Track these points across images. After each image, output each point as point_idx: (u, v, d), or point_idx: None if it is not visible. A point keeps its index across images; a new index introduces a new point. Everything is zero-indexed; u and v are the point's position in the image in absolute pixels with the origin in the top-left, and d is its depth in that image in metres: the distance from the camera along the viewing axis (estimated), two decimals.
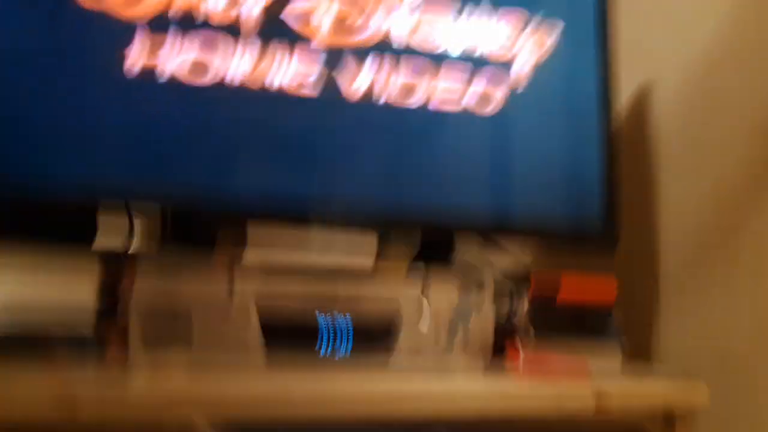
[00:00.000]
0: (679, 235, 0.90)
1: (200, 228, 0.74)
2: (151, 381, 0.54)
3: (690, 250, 0.88)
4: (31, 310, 0.64)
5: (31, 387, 0.48)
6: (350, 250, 0.73)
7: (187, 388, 0.53)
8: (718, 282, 0.84)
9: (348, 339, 0.67)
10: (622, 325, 0.79)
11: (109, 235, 0.76)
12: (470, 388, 0.62)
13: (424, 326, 0.69)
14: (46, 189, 0.65)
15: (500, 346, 0.75)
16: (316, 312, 0.66)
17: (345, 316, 0.67)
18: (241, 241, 0.71)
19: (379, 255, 0.76)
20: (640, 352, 0.90)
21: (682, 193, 0.90)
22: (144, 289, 0.62)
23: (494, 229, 0.82)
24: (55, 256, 0.66)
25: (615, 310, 0.78)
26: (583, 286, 0.77)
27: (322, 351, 0.66)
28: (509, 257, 0.90)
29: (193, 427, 0.48)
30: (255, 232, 0.70)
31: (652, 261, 0.92)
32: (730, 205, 0.84)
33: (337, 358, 0.66)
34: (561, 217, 0.83)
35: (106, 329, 0.65)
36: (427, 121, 0.77)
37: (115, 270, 0.68)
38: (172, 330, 0.62)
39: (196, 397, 0.51)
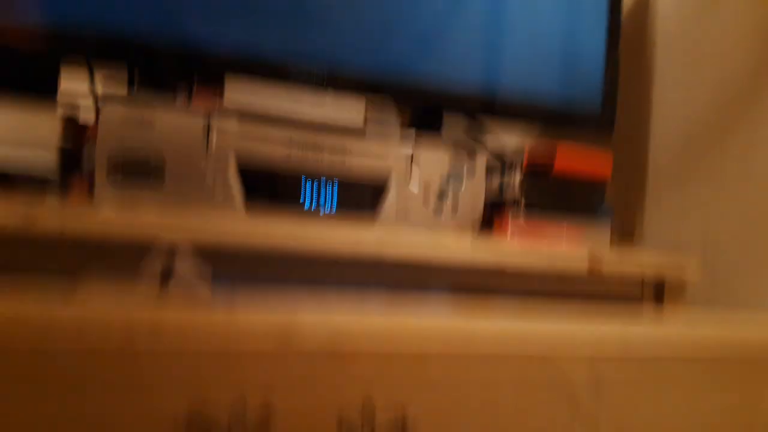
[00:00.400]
0: (673, 123, 0.87)
1: (173, 78, 0.69)
2: (119, 211, 0.49)
3: (683, 138, 0.86)
4: None
5: None
6: (339, 108, 0.69)
7: (157, 222, 0.48)
8: (708, 169, 0.82)
9: (333, 195, 0.63)
10: (613, 204, 0.76)
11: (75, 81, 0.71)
12: (460, 242, 0.58)
13: (414, 186, 0.65)
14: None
15: (491, 217, 0.72)
16: (301, 164, 0.62)
17: (331, 170, 0.62)
18: (219, 93, 0.66)
19: (368, 119, 0.72)
20: (628, 234, 0.89)
21: (679, 84, 0.87)
22: (111, 131, 0.57)
23: (491, 104, 0.78)
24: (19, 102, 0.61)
25: (608, 188, 0.75)
26: (579, 157, 0.73)
27: (306, 205, 0.62)
28: (504, 132, 0.87)
29: (167, 247, 0.44)
30: (234, 85, 0.65)
31: (646, 148, 0.89)
32: (725, 98, 0.82)
33: (321, 214, 0.62)
34: (559, 96, 0.80)
35: (70, 171, 0.61)
36: None
37: (78, 117, 0.64)
38: (142, 173, 0.57)
39: (167, 228, 0.47)
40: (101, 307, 0.36)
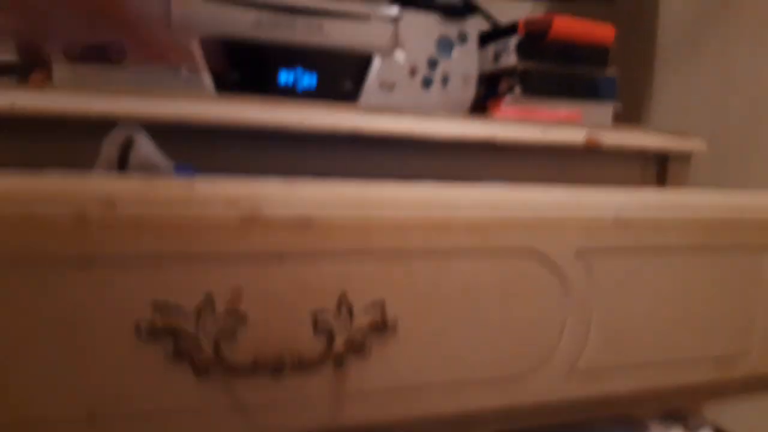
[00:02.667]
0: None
1: None
2: (75, 92, 0.45)
3: (690, 16, 0.80)
4: None
5: None
6: None
7: (114, 102, 0.44)
8: (717, 48, 0.77)
9: (312, 69, 0.58)
10: (617, 84, 0.71)
11: None
12: (450, 123, 0.54)
13: (400, 56, 0.60)
14: None
15: (484, 90, 0.68)
16: (273, 33, 0.57)
17: (308, 39, 0.58)
18: None
19: None
20: (634, 115, 0.85)
21: None
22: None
23: None
24: None
25: (612, 66, 0.70)
26: (577, 26, 0.68)
27: (282, 82, 0.58)
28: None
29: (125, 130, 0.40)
30: None
31: (651, 25, 0.83)
32: None
33: (298, 91, 0.58)
34: None
35: (28, 52, 0.57)
36: None
37: None
38: (101, 52, 0.53)
39: (125, 109, 0.43)
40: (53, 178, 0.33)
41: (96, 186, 0.32)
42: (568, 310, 0.42)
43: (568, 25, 0.66)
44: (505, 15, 0.83)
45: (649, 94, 0.83)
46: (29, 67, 0.57)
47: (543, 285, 0.41)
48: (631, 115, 0.83)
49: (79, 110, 0.41)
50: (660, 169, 0.63)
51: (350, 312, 0.36)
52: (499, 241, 0.39)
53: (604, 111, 0.70)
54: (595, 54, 0.69)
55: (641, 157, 0.62)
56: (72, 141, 0.44)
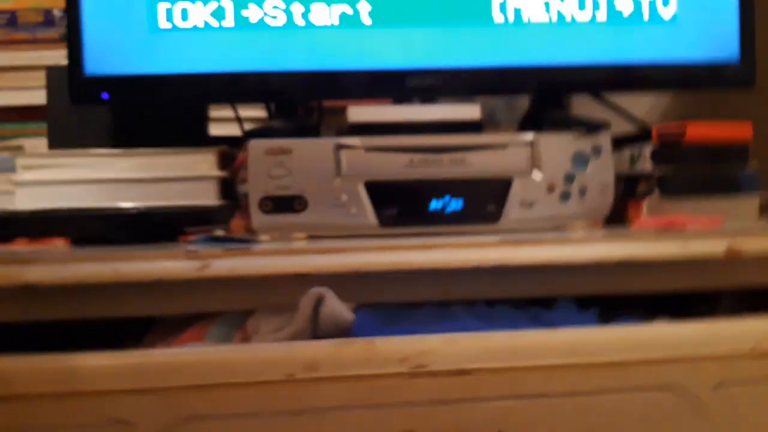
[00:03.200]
0: None
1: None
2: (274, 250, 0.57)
3: None
4: (161, 191, 0.70)
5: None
6: (455, 110, 0.71)
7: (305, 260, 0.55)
8: None
9: (459, 197, 0.66)
10: (760, 176, 0.72)
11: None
12: (588, 247, 0.59)
13: (538, 175, 0.66)
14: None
15: (622, 198, 0.72)
16: (424, 170, 0.66)
17: (453, 172, 0.66)
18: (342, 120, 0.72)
19: (485, 114, 0.74)
20: None
21: None
22: (258, 163, 0.64)
23: (610, 84, 0.76)
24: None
25: (752, 160, 0.71)
26: (712, 130, 0.70)
27: (432, 208, 0.66)
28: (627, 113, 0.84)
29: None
30: (355, 111, 0.70)
31: None
32: None
33: (448, 215, 0.66)
34: (691, 55, 0.75)
35: (229, 198, 0.70)
36: None
37: (230, 152, 0.72)
38: (288, 201, 0.64)
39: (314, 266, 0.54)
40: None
41: (300, 351, 0.42)
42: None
43: (702, 131, 0.68)
44: (630, 104, 0.86)
45: None
46: (230, 213, 0.71)
47: (683, 417, 0.44)
48: None
49: (280, 269, 0.52)
50: None
51: None
52: (639, 380, 0.44)
53: (748, 205, 0.71)
54: (733, 152, 0.70)
55: None
56: (273, 288, 0.55)
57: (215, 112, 0.88)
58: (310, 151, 0.64)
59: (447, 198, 0.66)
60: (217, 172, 0.70)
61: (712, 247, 0.58)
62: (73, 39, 0.68)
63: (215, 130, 0.87)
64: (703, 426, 0.44)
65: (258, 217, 0.64)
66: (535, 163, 0.68)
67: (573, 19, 0.73)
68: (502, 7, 0.73)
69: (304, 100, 0.79)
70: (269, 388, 0.42)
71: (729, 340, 0.45)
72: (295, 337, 0.49)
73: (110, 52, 0.69)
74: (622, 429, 0.43)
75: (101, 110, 0.77)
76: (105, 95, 0.70)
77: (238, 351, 0.43)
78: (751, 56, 0.76)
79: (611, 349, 0.43)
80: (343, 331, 0.49)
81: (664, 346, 0.44)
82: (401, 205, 0.66)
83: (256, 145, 0.64)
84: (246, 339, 0.54)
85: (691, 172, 0.70)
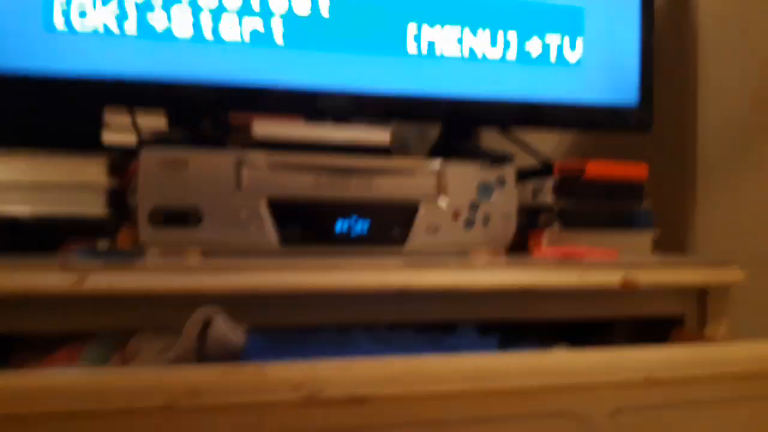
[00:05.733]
0: (717, 121, 0.84)
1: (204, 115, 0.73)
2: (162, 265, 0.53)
3: (728, 140, 0.83)
4: (44, 197, 0.64)
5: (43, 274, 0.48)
6: (365, 133, 0.70)
7: (196, 280, 0.51)
8: (758, 170, 0.79)
9: (364, 219, 0.64)
10: (654, 214, 0.75)
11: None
12: (491, 273, 0.59)
13: (443, 202, 0.66)
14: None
15: (524, 228, 0.73)
16: (331, 191, 0.64)
17: (360, 193, 0.64)
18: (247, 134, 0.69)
19: (395, 140, 0.73)
20: (672, 244, 0.87)
21: (722, 78, 0.84)
22: (150, 175, 0.60)
23: (517, 120, 0.78)
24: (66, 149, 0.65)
25: (647, 198, 0.74)
26: (610, 168, 0.73)
27: (338, 230, 0.64)
28: (532, 147, 0.86)
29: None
30: (261, 125, 0.67)
31: (688, 150, 0.87)
32: None
33: (352, 238, 0.64)
34: (592, 97, 0.78)
35: (118, 211, 0.65)
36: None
37: (122, 160, 0.67)
38: (181, 216, 0.60)
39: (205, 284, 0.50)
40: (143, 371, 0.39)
41: (182, 377, 0.38)
42: None
43: (601, 169, 0.71)
44: (537, 140, 0.89)
45: (691, 216, 0.86)
46: (117, 225, 0.65)
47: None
48: (673, 236, 0.86)
49: (166, 287, 0.48)
50: (700, 299, 0.66)
51: None
52: (537, 407, 0.43)
53: (642, 240, 0.74)
54: (629, 190, 0.73)
55: (679, 291, 0.65)
56: (158, 308, 0.50)
57: (112, 117, 0.82)
58: (210, 164, 0.61)
59: (353, 220, 0.65)
60: (105, 180, 0.65)
61: (609, 277, 0.60)
62: None
63: (111, 137, 0.81)
64: None
65: (146, 230, 0.59)
66: (441, 189, 0.67)
67: (484, 56, 0.75)
68: (417, 39, 0.73)
69: (210, 112, 0.75)
70: (146, 417, 0.37)
71: (624, 368, 0.45)
72: (179, 361, 0.45)
73: None
74: None
75: None
76: None
77: (112, 375, 0.39)
78: (649, 101, 0.80)
79: (511, 376, 0.42)
80: (232, 356, 0.45)
81: (562, 373, 0.43)
82: (305, 224, 0.63)
83: (149, 154, 0.60)
84: (126, 361, 0.50)
85: (590, 206, 0.72)
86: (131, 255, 0.56)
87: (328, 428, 0.39)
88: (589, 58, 0.79)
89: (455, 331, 0.57)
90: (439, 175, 0.67)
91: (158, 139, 0.63)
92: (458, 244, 0.68)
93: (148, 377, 0.38)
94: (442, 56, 0.73)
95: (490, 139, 0.91)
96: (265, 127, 0.66)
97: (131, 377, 0.38)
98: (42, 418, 0.37)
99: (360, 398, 0.40)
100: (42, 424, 0.37)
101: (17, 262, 0.49)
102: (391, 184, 0.66)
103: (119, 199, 0.66)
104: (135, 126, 0.78)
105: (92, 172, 0.65)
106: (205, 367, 0.39)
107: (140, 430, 0.38)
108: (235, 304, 0.50)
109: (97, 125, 0.77)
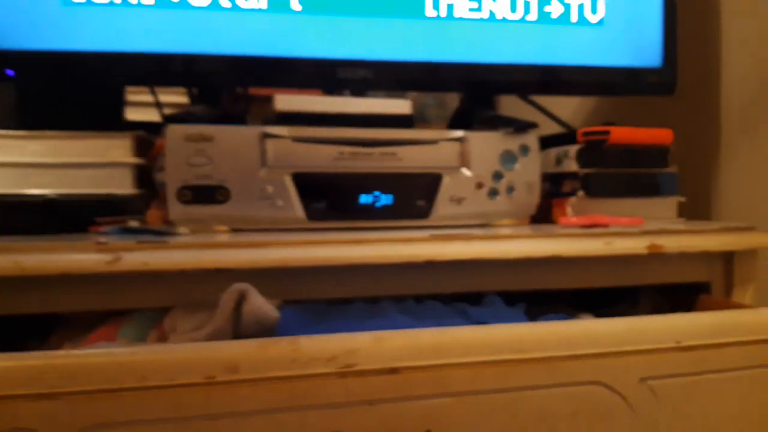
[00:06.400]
0: (742, 83, 0.83)
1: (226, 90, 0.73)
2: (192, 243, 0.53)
3: (754, 103, 0.82)
4: (71, 177, 0.65)
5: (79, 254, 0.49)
6: (386, 104, 0.70)
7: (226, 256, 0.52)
8: None
9: (389, 190, 0.65)
10: (679, 180, 0.74)
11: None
12: (516, 244, 0.59)
13: (467, 172, 0.66)
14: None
15: (546, 202, 0.73)
16: (354, 163, 0.64)
17: (383, 165, 0.64)
18: (267, 109, 0.69)
19: (417, 110, 0.73)
20: (697, 210, 0.86)
21: (747, 39, 0.82)
22: (176, 151, 0.60)
23: (538, 85, 0.77)
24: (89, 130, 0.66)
25: (672, 164, 0.74)
26: (635, 134, 0.72)
27: (362, 201, 0.64)
28: (553, 114, 0.85)
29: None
30: (282, 100, 0.67)
31: (713, 115, 0.86)
32: None
33: (377, 207, 0.64)
34: (615, 59, 0.77)
35: (144, 187, 0.66)
36: None
37: (147, 138, 0.68)
38: (208, 191, 0.61)
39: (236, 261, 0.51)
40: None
41: (221, 352, 0.39)
42: (637, 430, 0.46)
43: (625, 134, 0.70)
44: (556, 107, 0.88)
45: (715, 181, 0.85)
46: (146, 203, 0.66)
47: (610, 411, 0.45)
48: (699, 203, 0.85)
49: (198, 264, 0.49)
50: (726, 265, 0.66)
51: None
52: (567, 376, 0.43)
53: (667, 206, 0.73)
54: (654, 155, 0.72)
55: (705, 257, 0.65)
56: (191, 284, 0.52)
57: (133, 96, 0.83)
58: (234, 139, 0.61)
59: (377, 192, 0.65)
60: (132, 159, 0.65)
61: (635, 244, 0.60)
62: None
63: (132, 115, 0.81)
64: (630, 419, 0.45)
65: (176, 208, 0.60)
66: (464, 159, 0.67)
67: (504, 17, 0.74)
68: (435, 2, 0.72)
69: (230, 86, 0.75)
70: (186, 392, 0.39)
71: (654, 335, 0.45)
72: (215, 336, 0.46)
73: (17, 25, 0.63)
74: (550, 424, 0.43)
75: (6, 88, 0.71)
76: (10, 72, 0.64)
77: (153, 352, 0.40)
78: (673, 63, 0.78)
79: (539, 346, 0.43)
80: (266, 330, 0.46)
81: (591, 342, 0.44)
82: (330, 198, 0.64)
83: (175, 131, 0.60)
84: (162, 338, 0.51)
85: (614, 173, 0.72)
86: (163, 233, 0.57)
87: (362, 399, 0.40)
88: (611, 17, 0.77)
89: (482, 301, 0.57)
90: (462, 145, 0.67)
91: (182, 116, 0.63)
92: (482, 214, 0.68)
93: (188, 353, 0.39)
94: (461, 18, 0.72)
95: (510, 107, 0.90)
96: (286, 102, 0.66)
97: (171, 354, 0.39)
98: (86, 396, 0.38)
99: (393, 369, 0.41)
100: (86, 402, 0.38)
101: (52, 242, 0.50)
102: (414, 155, 0.66)
103: (146, 177, 0.67)
104: (157, 103, 0.79)
105: (118, 151, 0.66)
106: (242, 343, 0.40)
107: (181, 405, 0.39)
108: (266, 278, 0.51)
109: (119, 104, 0.77)
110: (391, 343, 0.41)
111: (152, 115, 0.79)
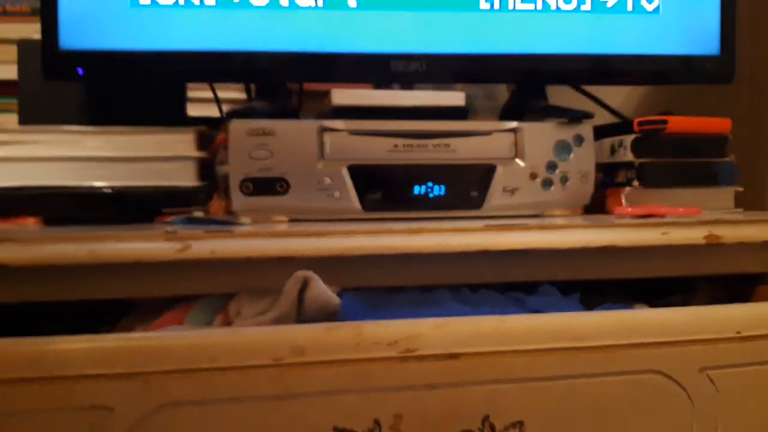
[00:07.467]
0: None
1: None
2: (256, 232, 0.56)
3: None
4: (137, 170, 0.68)
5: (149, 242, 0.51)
6: (439, 97, 0.71)
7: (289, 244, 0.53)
8: None
9: (443, 181, 0.66)
10: (738, 171, 0.73)
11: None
12: (571, 234, 0.59)
13: (521, 163, 0.66)
14: None
15: (600, 193, 0.72)
16: (408, 155, 0.65)
17: (437, 156, 0.65)
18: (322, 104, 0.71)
19: (469, 102, 0.73)
20: (754, 200, 0.84)
21: None
22: (239, 143, 0.63)
23: (591, 75, 0.77)
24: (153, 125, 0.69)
25: (730, 152, 0.72)
26: (692, 123, 0.71)
27: (416, 192, 0.65)
28: (607, 104, 0.84)
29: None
30: (339, 94, 0.69)
31: None
32: None
33: (431, 202, 0.65)
34: (671, 47, 0.76)
35: (208, 180, 0.69)
36: None
37: (210, 132, 0.71)
38: (269, 183, 0.63)
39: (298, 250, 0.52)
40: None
41: (288, 335, 0.41)
42: (695, 420, 0.46)
43: (683, 123, 0.69)
44: (606, 96, 0.87)
45: None
46: (208, 194, 0.69)
47: (669, 400, 0.45)
48: (757, 194, 0.83)
49: (262, 252, 0.51)
50: None
51: (493, 430, 0.43)
52: (625, 364, 0.44)
53: (724, 196, 0.72)
54: (712, 144, 0.71)
55: (764, 246, 0.64)
56: (254, 271, 0.54)
57: (193, 93, 0.86)
58: (294, 133, 0.63)
59: (431, 183, 0.66)
60: (195, 153, 0.68)
61: (692, 234, 0.59)
62: (48, 11, 0.65)
63: (192, 111, 0.84)
64: (689, 409, 0.45)
65: (238, 199, 0.63)
66: (518, 150, 0.67)
67: (558, 8, 0.73)
68: None
69: (287, 82, 0.77)
70: (255, 373, 0.41)
71: (714, 325, 0.45)
72: (279, 321, 0.48)
73: (87, 26, 0.66)
74: (608, 411, 0.44)
75: (75, 86, 0.74)
76: (80, 70, 0.67)
77: (223, 334, 0.42)
78: (731, 51, 0.77)
79: (597, 334, 0.44)
80: (328, 316, 0.48)
81: (650, 332, 0.44)
82: (385, 189, 0.65)
83: (237, 126, 0.62)
84: (227, 323, 0.53)
85: (671, 162, 0.71)
86: (227, 222, 0.59)
87: (423, 383, 0.42)
88: (668, 5, 0.76)
89: (537, 291, 0.58)
90: (516, 136, 0.67)
91: (243, 111, 0.65)
92: (536, 204, 0.68)
93: (257, 336, 0.41)
94: (514, 10, 0.73)
95: (561, 97, 0.90)
96: (343, 96, 0.67)
97: (241, 336, 0.42)
98: (161, 375, 0.40)
99: (453, 355, 0.42)
100: (161, 382, 0.40)
101: (123, 231, 0.53)
102: (468, 146, 0.66)
103: (208, 170, 0.70)
104: (216, 99, 0.81)
105: (181, 145, 0.68)
106: (309, 327, 0.42)
107: (250, 386, 0.41)
108: (326, 266, 0.52)
109: (182, 101, 0.80)
110: (451, 330, 0.42)
111: (211, 111, 0.82)
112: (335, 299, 0.48)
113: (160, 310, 0.58)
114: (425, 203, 0.66)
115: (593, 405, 0.43)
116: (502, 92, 1.02)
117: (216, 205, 0.67)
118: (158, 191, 0.67)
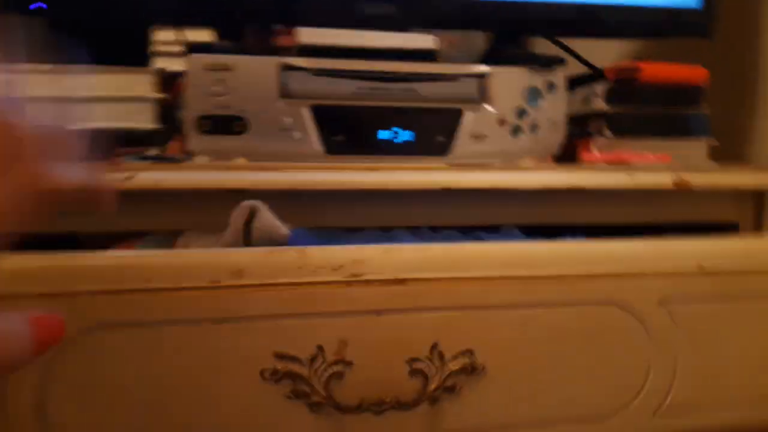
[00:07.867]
0: None
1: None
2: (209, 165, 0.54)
3: None
4: (95, 111, 0.65)
5: None
6: (409, 39, 0.68)
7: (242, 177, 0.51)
8: None
9: (409, 123, 0.64)
10: (711, 123, 0.71)
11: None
12: (536, 174, 0.57)
13: (489, 108, 0.64)
14: None
15: (571, 144, 0.70)
16: (373, 96, 0.63)
17: (404, 97, 0.63)
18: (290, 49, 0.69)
19: (441, 46, 0.71)
20: (730, 155, 0.83)
21: None
22: (197, 81, 0.60)
23: (571, 25, 0.75)
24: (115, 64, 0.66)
25: (704, 104, 0.71)
26: (667, 71, 0.69)
27: (382, 136, 0.63)
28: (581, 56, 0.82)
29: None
30: (306, 32, 0.66)
31: (751, 60, 0.82)
32: None
33: (396, 147, 0.63)
34: (650, 7, 0.74)
35: (167, 122, 0.66)
36: None
37: (171, 75, 0.68)
38: (227, 121, 0.61)
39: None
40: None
41: (227, 258, 0.39)
42: (652, 353, 0.44)
43: (657, 71, 0.67)
44: (592, 53, 0.85)
45: (751, 127, 0.82)
46: (167, 138, 0.67)
47: (626, 331, 0.43)
48: (733, 149, 0.82)
49: (212, 184, 0.49)
50: (756, 206, 0.63)
51: (442, 359, 0.41)
52: (583, 293, 0.42)
53: (697, 148, 0.71)
54: (686, 94, 0.69)
55: (735, 195, 0.62)
56: (205, 207, 0.52)
57: (161, 36, 0.83)
58: (253, 69, 0.61)
59: (396, 127, 0.64)
60: (154, 94, 0.66)
61: (660, 178, 0.58)
62: None
63: (161, 54, 0.82)
64: (645, 342, 0.43)
65: (194, 138, 0.60)
66: (486, 95, 0.66)
67: None
68: None
69: (251, 23, 0.74)
70: (190, 295, 0.39)
71: (674, 257, 0.44)
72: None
73: None
74: (562, 342, 0.42)
75: (31, 22, 0.71)
76: (35, 5, 0.65)
77: (156, 255, 0.40)
78: (711, 4, 0.75)
79: (553, 263, 0.42)
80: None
81: (608, 261, 0.43)
82: (348, 132, 0.63)
83: (195, 60, 0.60)
84: None
85: (644, 112, 0.69)
86: (179, 159, 0.57)
87: (369, 309, 0.40)
88: None
89: (498, 231, 0.56)
90: (485, 80, 0.65)
91: (204, 46, 0.63)
92: (504, 152, 0.66)
93: (193, 258, 0.40)
94: None
95: (538, 49, 0.87)
96: (310, 34, 0.65)
97: (176, 258, 0.40)
98: (87, 296, 0.38)
99: (400, 280, 0.40)
100: (86, 303, 0.38)
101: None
102: (434, 90, 0.64)
103: (168, 113, 0.68)
104: (181, 41, 0.79)
105: (140, 86, 0.66)
106: (250, 249, 0.40)
107: (185, 309, 0.39)
108: (280, 201, 0.50)
109: (144, 45, 0.77)
110: (399, 255, 0.41)
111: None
112: (283, 229, 0.46)
113: (103, 247, 0.56)
114: (390, 148, 0.64)
115: (547, 336, 0.42)
116: (481, 43, 0.99)
117: (173, 147, 0.65)
118: (114, 133, 0.65)
